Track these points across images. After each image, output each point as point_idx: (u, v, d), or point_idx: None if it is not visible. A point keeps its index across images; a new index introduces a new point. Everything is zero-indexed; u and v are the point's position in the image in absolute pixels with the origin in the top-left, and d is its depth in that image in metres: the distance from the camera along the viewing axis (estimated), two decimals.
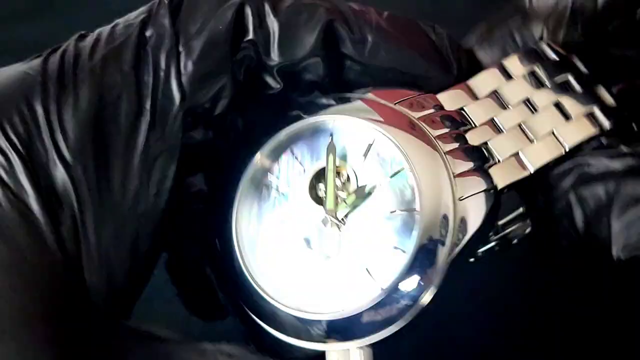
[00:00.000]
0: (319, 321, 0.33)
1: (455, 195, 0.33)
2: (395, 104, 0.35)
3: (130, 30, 0.33)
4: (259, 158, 0.35)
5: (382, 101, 0.35)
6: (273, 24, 0.33)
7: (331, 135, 0.34)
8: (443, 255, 0.33)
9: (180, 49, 0.33)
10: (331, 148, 0.34)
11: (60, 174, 0.31)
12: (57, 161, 0.31)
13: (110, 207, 0.32)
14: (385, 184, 0.34)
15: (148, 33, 0.33)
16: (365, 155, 0.34)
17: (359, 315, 0.32)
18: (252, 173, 0.35)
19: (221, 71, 0.33)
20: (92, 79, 0.32)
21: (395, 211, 0.33)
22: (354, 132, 0.34)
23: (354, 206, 0.34)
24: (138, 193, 0.32)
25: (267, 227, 0.34)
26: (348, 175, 0.34)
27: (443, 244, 0.33)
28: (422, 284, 0.32)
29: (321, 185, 0.34)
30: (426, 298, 0.32)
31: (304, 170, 0.34)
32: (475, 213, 0.33)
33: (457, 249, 0.33)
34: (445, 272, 0.32)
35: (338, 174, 0.34)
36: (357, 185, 0.34)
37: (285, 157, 0.35)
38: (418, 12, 0.76)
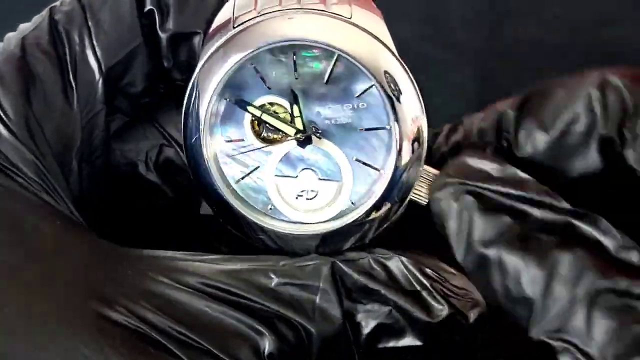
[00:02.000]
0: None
1: None
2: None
3: (42, 16, 0.37)
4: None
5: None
6: None
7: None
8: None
9: (89, 22, 0.36)
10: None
11: (11, 151, 0.35)
12: (8, 139, 0.35)
13: (57, 175, 0.35)
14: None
15: (57, 16, 0.36)
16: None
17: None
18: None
19: (132, 38, 0.37)
20: (17, 63, 0.35)
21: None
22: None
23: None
24: (79, 159, 0.36)
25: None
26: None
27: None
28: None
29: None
30: None
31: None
32: None
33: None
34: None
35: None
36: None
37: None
38: (418, 12, 0.76)
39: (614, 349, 0.31)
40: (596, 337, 0.31)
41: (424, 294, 0.34)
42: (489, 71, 0.70)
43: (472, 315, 0.34)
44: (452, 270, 0.34)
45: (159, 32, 0.37)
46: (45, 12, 0.37)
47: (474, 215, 0.34)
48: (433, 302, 0.34)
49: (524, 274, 0.32)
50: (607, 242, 0.32)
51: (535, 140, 0.37)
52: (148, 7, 0.37)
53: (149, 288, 0.33)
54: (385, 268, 0.34)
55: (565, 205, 0.33)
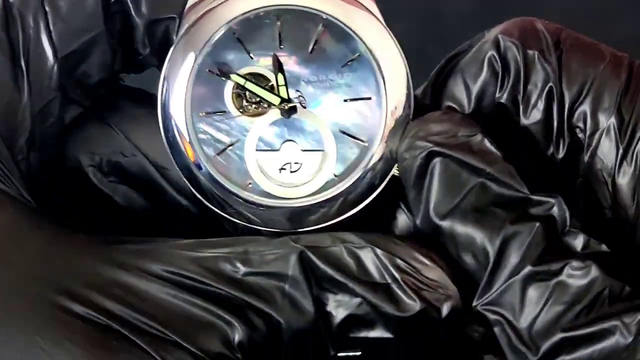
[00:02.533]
0: None
1: None
2: None
3: None
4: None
5: None
6: None
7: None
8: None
9: (47, 7, 0.35)
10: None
11: None
12: None
13: (8, 161, 0.35)
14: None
15: None
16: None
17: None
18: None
19: (92, 27, 0.36)
20: None
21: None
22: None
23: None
24: (28, 147, 0.35)
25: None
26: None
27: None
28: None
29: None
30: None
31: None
32: None
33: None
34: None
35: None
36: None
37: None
38: (415, 9, 0.76)
39: (537, 326, 0.32)
40: (525, 313, 0.32)
41: (395, 287, 0.33)
42: None
43: (445, 309, 0.33)
44: (426, 261, 0.33)
45: (135, 18, 0.36)
46: None
47: (433, 184, 0.33)
48: (403, 296, 0.33)
49: (475, 247, 0.33)
50: (558, 224, 0.33)
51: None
52: None
53: (111, 277, 0.32)
54: (357, 258, 0.33)
55: (525, 189, 0.33)
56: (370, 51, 0.34)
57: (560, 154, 0.35)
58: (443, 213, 0.33)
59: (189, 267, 0.32)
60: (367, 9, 0.35)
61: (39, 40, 0.35)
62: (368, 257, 0.33)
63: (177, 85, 0.34)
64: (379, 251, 0.33)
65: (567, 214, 0.33)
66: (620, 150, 0.34)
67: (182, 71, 0.34)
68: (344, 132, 0.35)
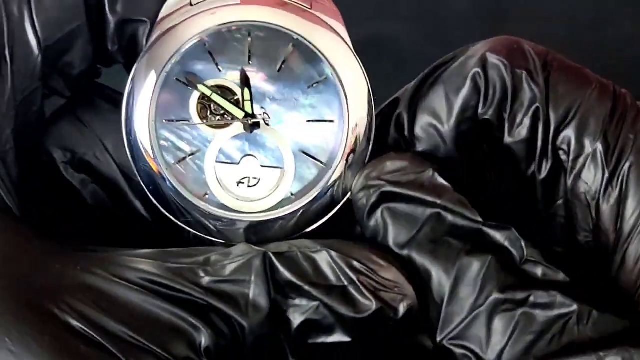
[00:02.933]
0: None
1: None
2: None
3: None
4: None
5: None
6: None
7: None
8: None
9: None
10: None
11: None
12: None
13: None
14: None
15: None
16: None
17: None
18: None
19: (74, 17, 0.36)
20: None
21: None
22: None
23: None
24: (14, 137, 0.35)
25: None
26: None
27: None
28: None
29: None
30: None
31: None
32: None
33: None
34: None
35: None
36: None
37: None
38: (414, 9, 0.75)
39: (506, 356, 0.32)
40: (493, 346, 0.32)
41: (351, 288, 0.33)
42: None
43: (402, 309, 0.33)
44: (382, 262, 0.34)
45: (109, 14, 0.36)
46: None
47: (387, 219, 0.34)
48: (359, 297, 0.33)
49: (432, 278, 0.33)
50: (515, 252, 0.33)
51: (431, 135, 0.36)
52: None
53: (81, 280, 0.32)
54: (313, 262, 0.33)
55: (477, 217, 0.34)
56: (337, 75, 0.35)
57: (542, 175, 0.36)
58: (402, 244, 0.34)
59: (155, 273, 0.33)
60: (336, 32, 0.35)
61: (24, 30, 0.35)
62: (324, 260, 0.34)
63: (144, 90, 0.35)
64: (334, 254, 0.33)
65: (523, 244, 0.33)
66: (606, 175, 0.34)
67: (150, 76, 0.35)
68: (304, 152, 0.35)
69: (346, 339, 0.34)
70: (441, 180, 0.34)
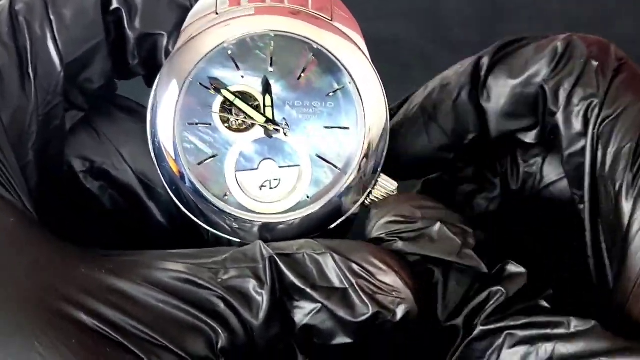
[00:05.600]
0: None
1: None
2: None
3: (2, 6, 0.36)
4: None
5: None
6: None
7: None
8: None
9: (52, 16, 0.36)
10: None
11: None
12: None
13: (14, 168, 0.35)
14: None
15: (18, 6, 0.36)
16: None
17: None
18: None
19: (94, 35, 0.37)
20: None
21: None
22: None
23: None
24: (35, 150, 0.36)
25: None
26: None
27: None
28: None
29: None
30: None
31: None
32: None
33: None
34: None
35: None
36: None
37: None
38: (415, 9, 0.75)
39: None
40: None
41: (351, 291, 0.34)
42: None
43: (399, 312, 0.34)
44: (382, 266, 0.34)
45: (128, 30, 0.38)
46: (5, 2, 0.37)
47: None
48: (357, 301, 0.34)
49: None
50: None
51: (500, 86, 0.38)
52: (114, 5, 0.37)
53: (104, 283, 0.33)
54: (318, 264, 0.34)
55: (483, 267, 0.35)
56: (355, 84, 0.36)
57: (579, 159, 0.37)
58: None
59: (174, 275, 0.33)
60: (355, 43, 0.37)
61: (46, 48, 0.36)
62: (328, 263, 0.34)
63: (169, 93, 0.36)
64: (337, 257, 0.34)
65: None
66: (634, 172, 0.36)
67: (174, 81, 0.36)
68: (320, 157, 0.36)
69: (348, 340, 0.35)
70: (448, 233, 0.36)
